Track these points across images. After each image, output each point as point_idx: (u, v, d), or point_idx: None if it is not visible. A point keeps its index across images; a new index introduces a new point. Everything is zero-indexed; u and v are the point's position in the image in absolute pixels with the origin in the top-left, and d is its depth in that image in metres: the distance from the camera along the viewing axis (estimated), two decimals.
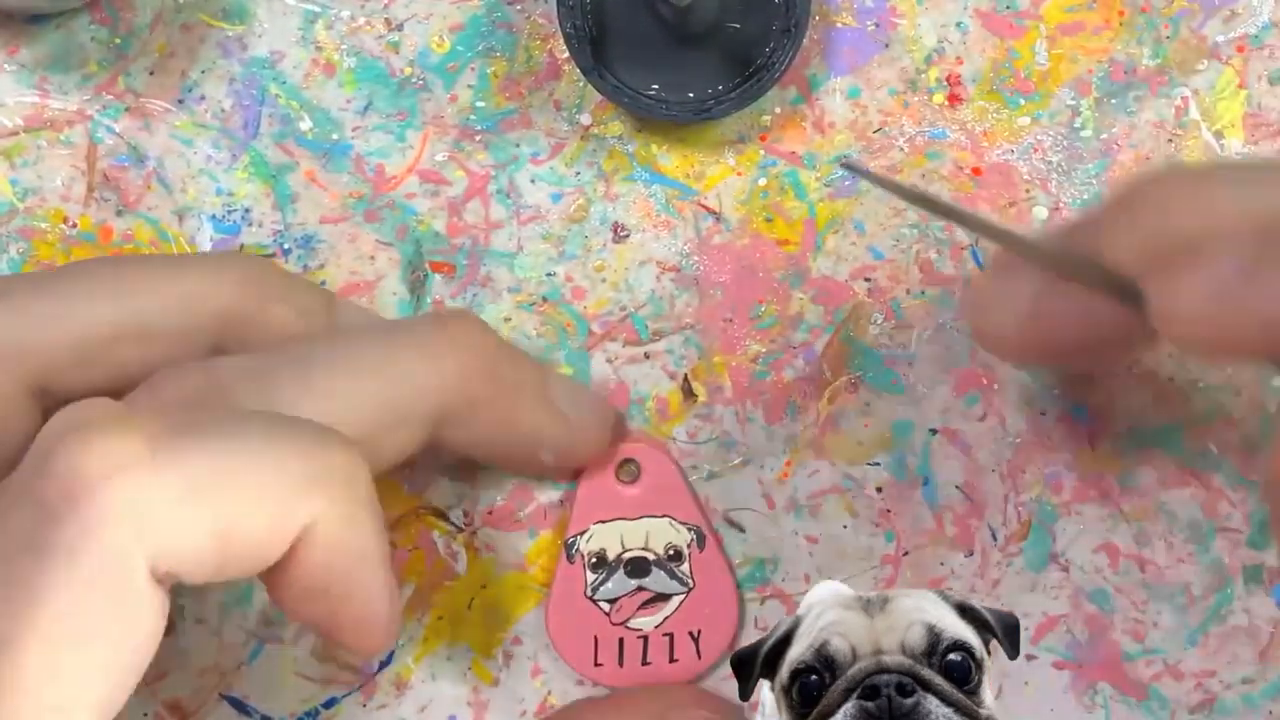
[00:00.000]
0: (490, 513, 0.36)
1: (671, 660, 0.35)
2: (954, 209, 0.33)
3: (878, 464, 0.36)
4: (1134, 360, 0.35)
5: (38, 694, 0.23)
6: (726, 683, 0.36)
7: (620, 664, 0.35)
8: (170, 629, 0.35)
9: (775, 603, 0.36)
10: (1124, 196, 0.29)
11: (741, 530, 0.36)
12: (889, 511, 0.36)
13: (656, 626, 0.35)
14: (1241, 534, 0.35)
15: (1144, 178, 0.29)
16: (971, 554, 0.36)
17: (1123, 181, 0.35)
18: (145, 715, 0.36)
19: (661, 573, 0.35)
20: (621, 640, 0.35)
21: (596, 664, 0.35)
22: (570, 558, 0.35)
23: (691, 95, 0.35)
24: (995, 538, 0.36)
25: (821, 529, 0.36)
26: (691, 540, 0.35)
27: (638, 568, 0.35)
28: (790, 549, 0.36)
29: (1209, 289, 0.25)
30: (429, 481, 0.36)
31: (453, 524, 0.36)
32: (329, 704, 0.36)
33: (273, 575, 0.27)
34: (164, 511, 0.25)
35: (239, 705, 0.36)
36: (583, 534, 0.35)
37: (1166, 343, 0.29)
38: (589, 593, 0.35)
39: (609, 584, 0.35)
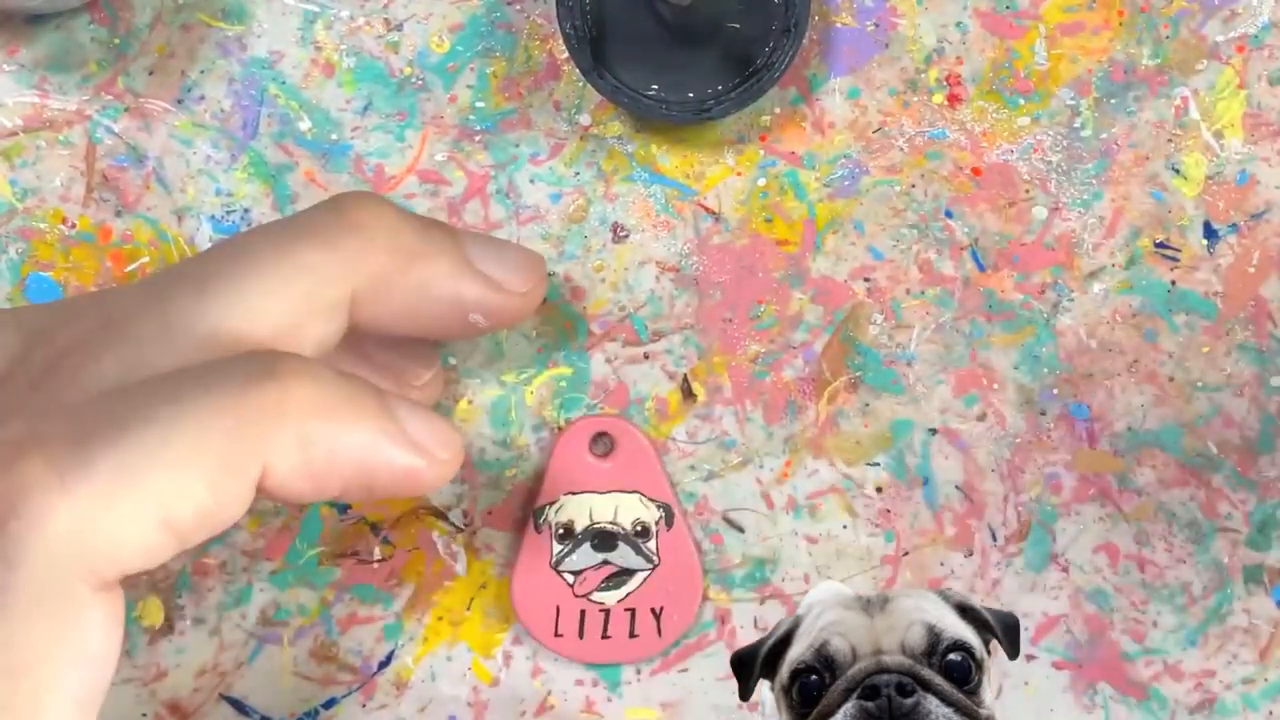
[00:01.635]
0: (490, 513, 0.36)
1: (632, 635, 0.35)
2: None
3: (877, 464, 0.36)
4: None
5: None
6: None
7: (581, 636, 0.35)
8: (170, 629, 0.35)
9: (775, 603, 0.36)
10: None
11: (741, 530, 0.36)
12: (888, 511, 0.36)
13: (619, 601, 0.35)
14: (1241, 534, 0.35)
15: None
16: (971, 554, 0.36)
17: None
18: (145, 715, 0.36)
19: (628, 548, 0.35)
20: (583, 612, 0.35)
21: (557, 634, 0.35)
22: (538, 527, 0.35)
23: (691, 95, 0.35)
24: (995, 538, 0.36)
25: (821, 529, 0.36)
26: (660, 518, 0.35)
27: (604, 542, 0.35)
28: (789, 549, 0.36)
29: None
30: None
31: (452, 524, 0.36)
32: (329, 704, 0.36)
33: (274, 500, 0.27)
34: (87, 523, 0.24)
35: (239, 705, 0.36)
36: (552, 504, 0.35)
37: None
38: (554, 563, 0.35)
39: (574, 555, 0.35)
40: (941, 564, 0.35)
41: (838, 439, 0.36)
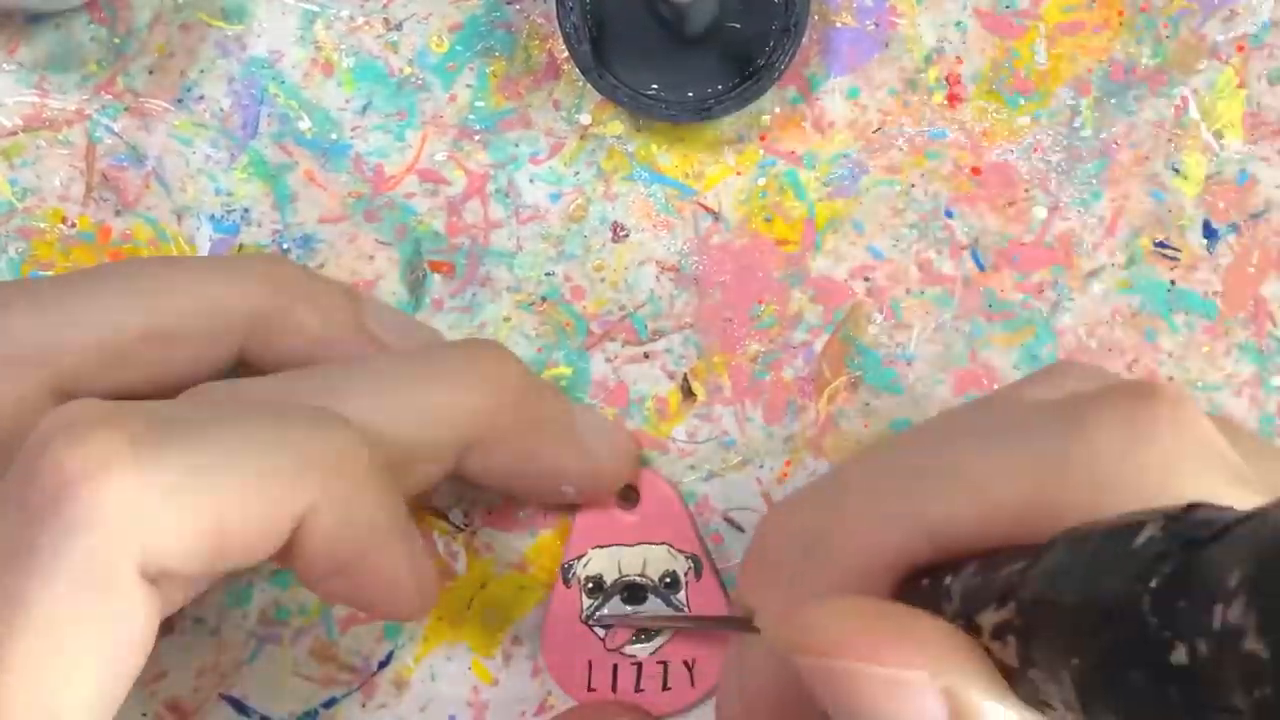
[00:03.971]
0: (490, 513, 0.36)
1: (665, 688, 0.35)
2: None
3: None
4: None
5: (26, 700, 0.23)
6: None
7: (614, 690, 0.35)
8: (170, 629, 0.35)
9: None
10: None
11: (741, 530, 0.36)
12: None
13: (651, 654, 0.35)
14: None
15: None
16: None
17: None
18: (145, 715, 0.36)
19: (658, 600, 0.35)
20: (615, 666, 0.35)
21: (590, 689, 0.35)
22: (567, 582, 0.35)
23: (691, 95, 0.35)
24: None
25: None
26: (689, 569, 0.35)
27: (634, 594, 0.35)
28: None
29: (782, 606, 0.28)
30: None
31: (452, 524, 0.36)
32: (329, 704, 0.36)
33: (285, 560, 0.27)
34: (150, 509, 0.24)
35: (239, 705, 0.36)
36: (580, 558, 0.35)
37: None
38: (584, 617, 0.35)
39: (605, 609, 0.35)
40: None
41: (838, 439, 0.36)
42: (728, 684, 0.32)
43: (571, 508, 0.35)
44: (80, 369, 0.30)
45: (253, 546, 0.26)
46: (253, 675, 0.36)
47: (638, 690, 0.35)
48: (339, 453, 0.27)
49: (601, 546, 0.35)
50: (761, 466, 0.36)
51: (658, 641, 0.35)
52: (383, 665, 0.36)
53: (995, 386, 0.36)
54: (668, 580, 0.35)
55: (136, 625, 0.25)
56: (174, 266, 0.32)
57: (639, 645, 0.35)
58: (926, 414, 0.36)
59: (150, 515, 0.25)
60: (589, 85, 0.35)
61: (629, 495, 0.35)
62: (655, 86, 0.35)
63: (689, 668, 0.35)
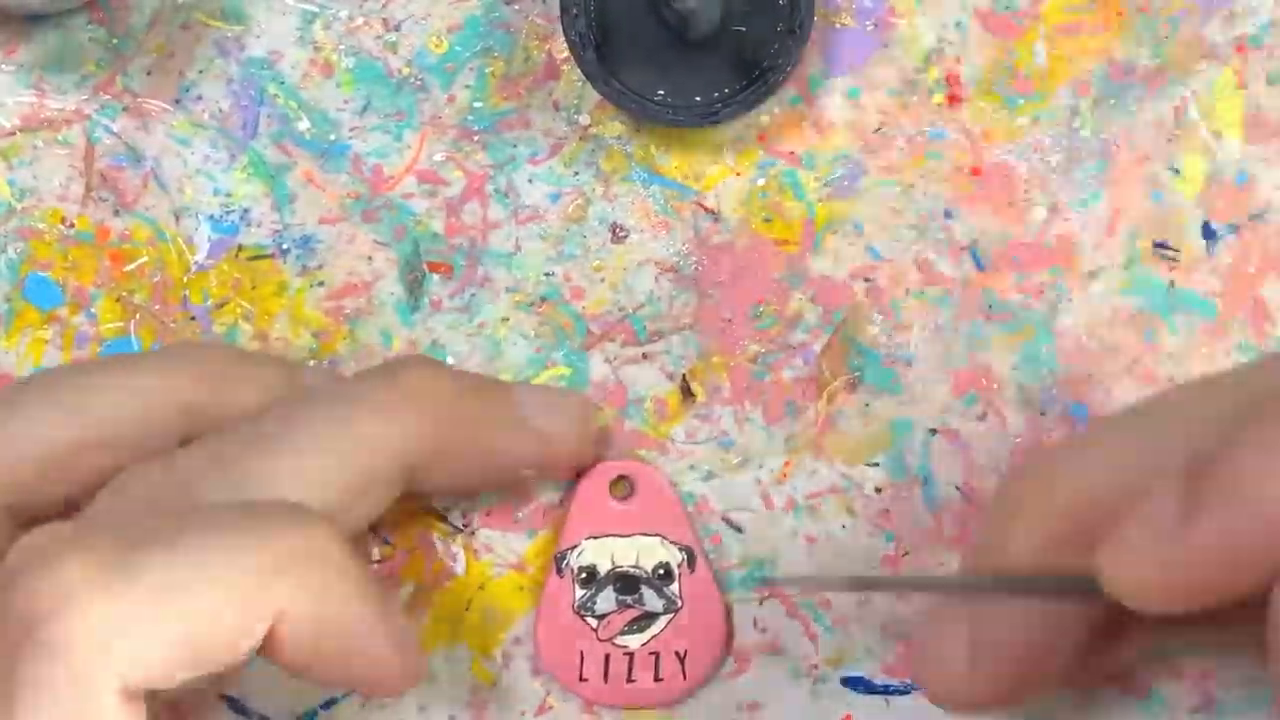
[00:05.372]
0: (489, 513, 0.36)
1: (657, 679, 0.35)
2: (887, 581, 0.34)
3: (877, 464, 0.36)
4: (1107, 666, 0.32)
5: None
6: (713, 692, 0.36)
7: (605, 680, 0.35)
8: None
9: (774, 603, 0.36)
10: (998, 507, 0.30)
11: (740, 530, 0.36)
12: (888, 511, 0.36)
13: (643, 644, 0.35)
14: None
15: (1009, 479, 0.30)
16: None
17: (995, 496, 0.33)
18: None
19: (651, 591, 0.35)
20: (607, 656, 0.35)
21: (581, 679, 0.35)
22: (560, 571, 0.35)
23: (698, 99, 0.35)
24: None
25: (820, 529, 0.36)
26: (683, 560, 0.35)
27: (627, 585, 0.35)
28: (789, 549, 0.36)
29: (1151, 543, 0.25)
30: None
31: (451, 525, 0.36)
32: (328, 704, 0.36)
33: (269, 655, 0.27)
34: (126, 629, 0.25)
35: (238, 706, 0.36)
36: (573, 548, 0.35)
37: (1135, 633, 0.30)
38: (577, 607, 0.35)
39: (597, 600, 0.35)
40: (941, 564, 0.35)
41: (837, 439, 0.36)
42: (943, 645, 0.30)
43: (566, 501, 0.35)
44: (21, 484, 0.30)
45: (228, 653, 0.26)
46: (252, 675, 0.36)
47: (630, 681, 0.35)
48: (309, 548, 0.27)
49: (595, 537, 0.35)
50: (761, 467, 0.36)
51: (650, 632, 0.35)
52: None
53: (995, 387, 0.36)
54: (661, 571, 0.35)
55: None
56: (101, 370, 0.32)
57: (631, 635, 0.35)
58: (927, 414, 0.36)
59: (125, 637, 0.25)
60: (589, 86, 0.35)
61: (623, 486, 0.35)
62: (661, 92, 0.35)
63: (680, 658, 0.35)
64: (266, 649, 0.27)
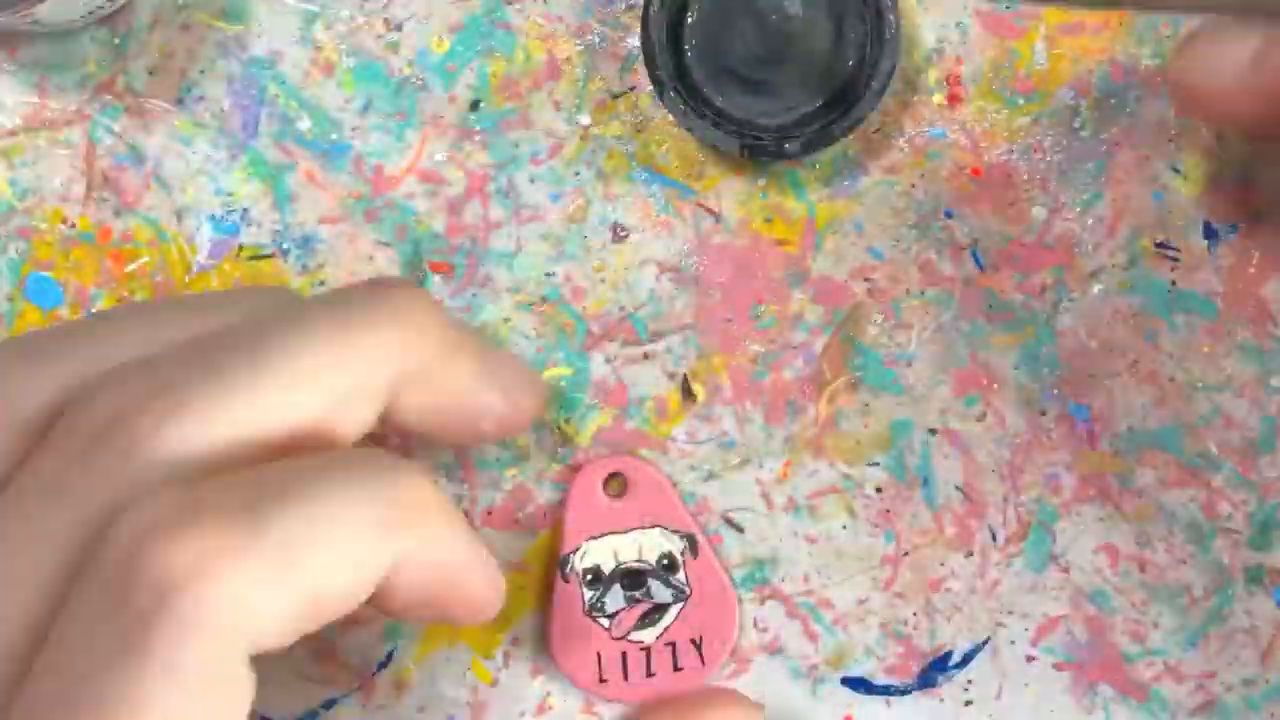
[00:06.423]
0: (490, 513, 0.36)
1: (676, 669, 0.35)
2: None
3: (877, 464, 0.36)
4: None
5: None
6: (730, 683, 0.36)
7: (625, 678, 0.35)
8: None
9: (774, 603, 0.36)
10: None
11: (740, 530, 0.36)
12: (888, 512, 0.36)
13: (658, 637, 0.35)
14: (1241, 534, 0.35)
15: None
16: (971, 554, 0.36)
17: None
18: None
19: (658, 583, 0.35)
20: (625, 654, 0.35)
21: (602, 680, 0.35)
22: (565, 576, 0.35)
23: (775, 123, 0.35)
24: (995, 538, 0.36)
25: (820, 529, 0.36)
26: (684, 547, 0.35)
27: (634, 580, 0.35)
28: (789, 549, 0.36)
29: None
30: None
31: None
32: (329, 704, 0.36)
33: (376, 603, 0.27)
34: (257, 593, 0.24)
35: None
36: (575, 552, 0.35)
37: None
38: (587, 609, 0.35)
39: (606, 599, 0.35)
40: (941, 564, 0.35)
41: (838, 439, 0.36)
42: (1226, 51, 0.30)
43: (561, 504, 0.35)
44: None
45: (343, 606, 0.26)
46: None
47: (649, 675, 0.35)
48: (422, 498, 0.27)
49: (595, 537, 0.35)
50: (761, 467, 0.36)
51: (663, 624, 0.35)
52: (382, 666, 0.36)
53: (995, 387, 0.36)
54: (665, 562, 0.35)
55: (247, 709, 0.25)
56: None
57: (644, 630, 0.35)
58: (927, 414, 0.36)
59: (257, 599, 0.24)
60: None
61: (616, 483, 0.35)
62: (740, 112, 0.35)
63: (697, 645, 0.35)
64: (375, 597, 0.27)
